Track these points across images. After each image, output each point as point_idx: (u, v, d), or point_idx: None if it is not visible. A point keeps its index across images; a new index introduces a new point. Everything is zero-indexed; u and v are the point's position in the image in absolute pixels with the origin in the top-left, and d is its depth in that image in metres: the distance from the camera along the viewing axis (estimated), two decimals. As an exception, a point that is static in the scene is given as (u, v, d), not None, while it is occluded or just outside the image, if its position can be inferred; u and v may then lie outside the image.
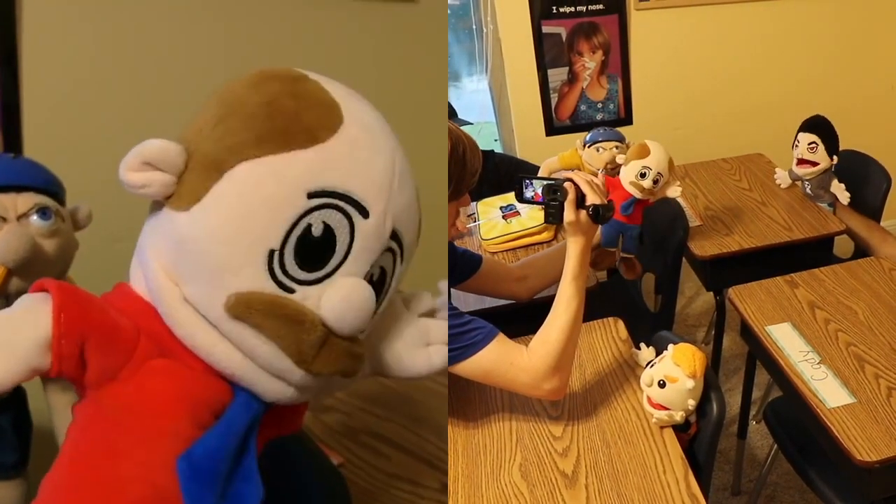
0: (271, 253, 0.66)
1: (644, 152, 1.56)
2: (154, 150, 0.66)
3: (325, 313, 0.67)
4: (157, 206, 0.70)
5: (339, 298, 0.67)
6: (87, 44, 1.78)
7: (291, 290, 0.67)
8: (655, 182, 1.54)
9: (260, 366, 0.68)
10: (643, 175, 1.53)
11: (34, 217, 0.97)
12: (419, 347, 0.82)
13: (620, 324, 1.49)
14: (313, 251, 0.67)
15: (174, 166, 0.67)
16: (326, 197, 0.67)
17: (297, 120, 0.68)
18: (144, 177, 0.66)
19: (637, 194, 1.55)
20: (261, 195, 0.65)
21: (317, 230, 0.66)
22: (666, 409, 1.20)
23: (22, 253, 0.95)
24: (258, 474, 0.69)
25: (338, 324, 0.67)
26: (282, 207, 0.66)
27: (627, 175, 1.55)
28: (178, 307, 0.67)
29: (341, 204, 0.67)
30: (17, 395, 1.03)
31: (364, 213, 0.68)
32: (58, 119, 1.77)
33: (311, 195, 0.66)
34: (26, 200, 0.97)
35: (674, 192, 1.61)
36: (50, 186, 1.04)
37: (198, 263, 0.66)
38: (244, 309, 0.65)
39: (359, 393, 1.08)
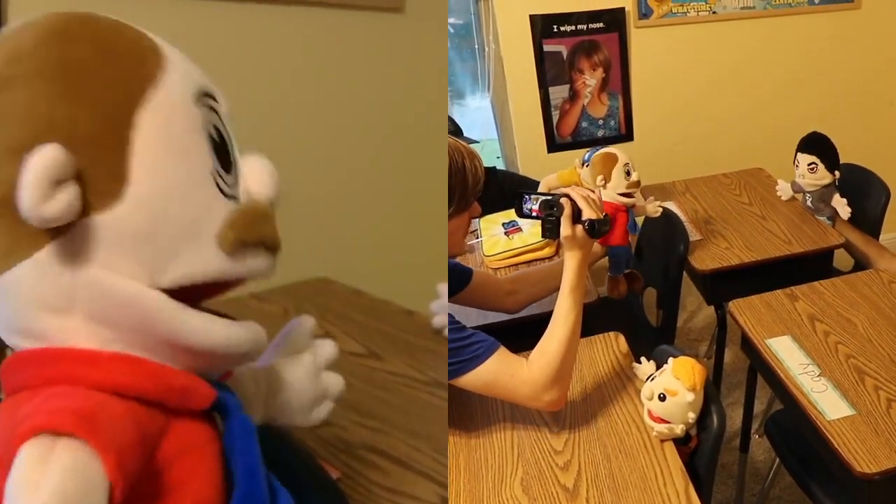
0: (214, 174, 0.62)
1: (611, 157, 1.59)
2: (57, 162, 0.52)
3: (262, 197, 0.66)
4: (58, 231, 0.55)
5: (265, 177, 0.67)
6: None
7: (236, 196, 0.64)
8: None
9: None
10: (629, 173, 1.56)
11: None
12: (314, 405, 0.83)
13: (621, 338, 1.50)
14: (224, 154, 0.64)
15: (73, 170, 0.54)
16: (205, 98, 0.64)
17: (136, 46, 0.61)
18: (63, 200, 0.53)
19: (629, 200, 1.56)
20: (177, 128, 0.60)
21: (215, 134, 0.63)
22: (666, 422, 1.21)
23: None
24: (277, 482, 0.68)
25: (271, 197, 0.67)
26: (197, 128, 0.61)
27: (617, 185, 1.57)
28: (165, 310, 0.58)
29: (210, 101, 0.64)
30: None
31: (214, 98, 0.66)
32: None
33: (195, 103, 0.62)
34: None
35: (654, 210, 1.64)
36: None
37: (170, 236, 0.58)
38: (243, 234, 0.62)
39: (354, 406, 1.09)
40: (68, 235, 0.56)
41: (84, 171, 0.55)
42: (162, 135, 0.59)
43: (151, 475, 0.57)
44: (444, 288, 1.38)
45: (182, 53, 0.65)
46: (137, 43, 0.61)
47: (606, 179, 1.57)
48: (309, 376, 0.83)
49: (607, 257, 1.66)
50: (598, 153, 1.64)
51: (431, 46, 2.48)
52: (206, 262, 0.60)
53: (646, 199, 1.69)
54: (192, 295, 0.61)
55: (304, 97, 2.34)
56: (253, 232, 0.63)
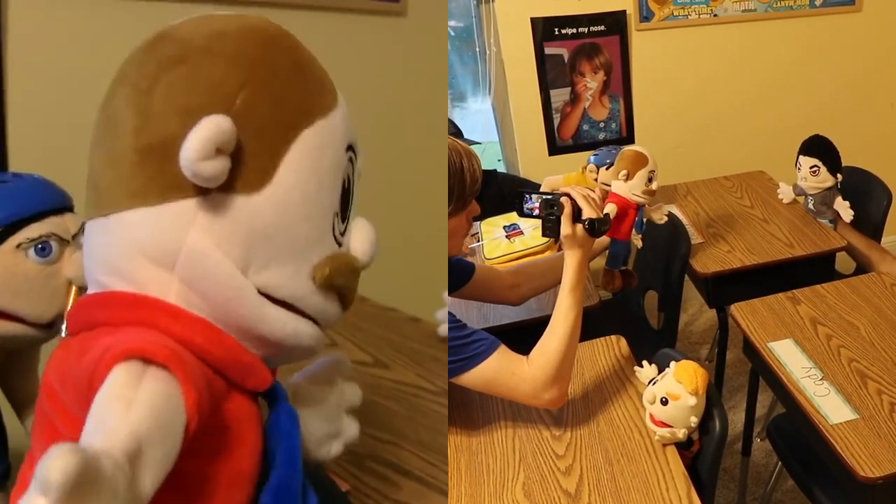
0: (335, 216, 0.67)
1: (643, 159, 1.58)
2: (227, 132, 0.58)
3: (360, 256, 0.70)
4: (183, 194, 0.59)
5: (367, 242, 0.72)
6: (73, 55, 1.81)
7: (341, 244, 0.69)
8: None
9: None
10: (651, 180, 1.56)
11: (80, 236, 0.94)
12: (324, 442, 0.84)
13: (623, 341, 1.50)
14: (346, 203, 0.69)
15: (232, 146, 0.59)
16: (350, 150, 0.69)
17: (323, 79, 0.68)
18: (219, 165, 0.58)
19: (642, 200, 1.56)
20: (326, 161, 0.65)
21: (346, 183, 0.68)
22: (668, 426, 1.21)
23: None
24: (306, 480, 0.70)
25: (366, 262, 0.71)
26: (339, 170, 0.67)
27: (636, 186, 1.56)
28: (252, 298, 0.62)
29: (352, 155, 0.70)
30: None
31: (356, 154, 0.71)
32: (43, 132, 1.78)
33: (345, 150, 0.68)
34: (73, 221, 0.95)
35: (660, 217, 1.64)
36: (71, 203, 1.02)
37: (281, 246, 0.62)
38: (335, 277, 0.65)
39: (363, 417, 1.08)
40: (199, 202, 0.59)
41: (240, 154, 0.59)
42: (313, 159, 0.64)
43: (208, 432, 0.60)
44: (446, 296, 1.38)
45: (346, 108, 0.71)
46: (324, 76, 0.68)
47: (630, 176, 1.57)
48: (329, 412, 0.84)
49: (607, 251, 1.65)
50: (630, 149, 1.62)
51: (432, 50, 2.48)
52: (295, 282, 0.64)
53: (653, 205, 1.68)
54: None
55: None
56: (343, 278, 0.67)
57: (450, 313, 1.22)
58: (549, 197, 1.27)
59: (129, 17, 1.81)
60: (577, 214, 1.24)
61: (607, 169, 2.03)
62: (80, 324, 0.62)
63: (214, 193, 0.59)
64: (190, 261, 0.60)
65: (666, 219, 1.66)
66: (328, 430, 0.84)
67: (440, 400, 1.22)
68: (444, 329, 1.35)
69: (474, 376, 1.20)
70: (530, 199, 1.31)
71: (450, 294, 1.54)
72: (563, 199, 1.25)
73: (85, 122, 0.69)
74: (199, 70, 0.60)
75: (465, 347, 1.19)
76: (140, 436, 0.49)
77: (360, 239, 0.72)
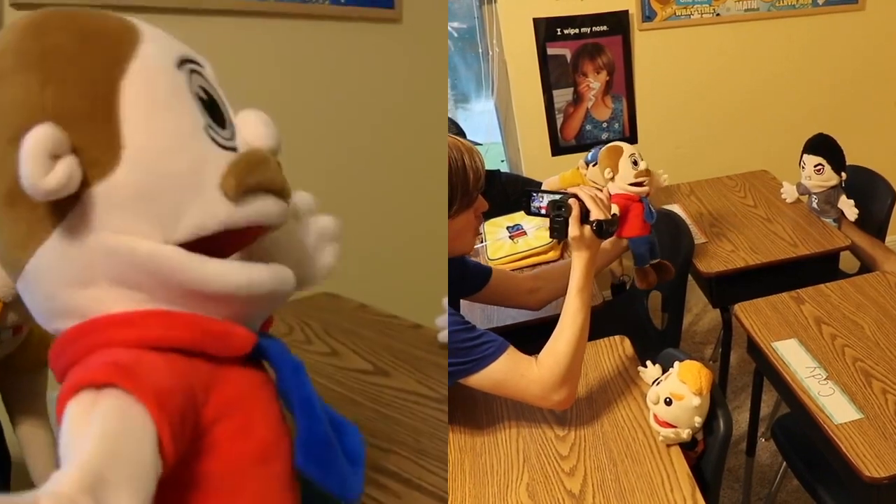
0: (207, 129, 0.64)
1: (617, 149, 1.59)
2: (48, 137, 0.55)
3: (261, 143, 0.68)
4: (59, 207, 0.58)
5: (259, 125, 0.69)
6: None
7: (236, 147, 0.66)
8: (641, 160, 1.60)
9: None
10: (636, 163, 1.57)
11: None
12: (324, 244, 0.82)
13: (627, 342, 1.50)
14: (216, 111, 0.66)
15: (68, 145, 0.57)
16: (186, 63, 0.66)
17: (110, 26, 0.64)
18: (64, 171, 0.56)
19: (641, 189, 1.57)
20: (162, 89, 0.62)
21: (203, 94, 0.65)
22: (672, 426, 1.20)
23: None
24: (341, 417, 0.70)
25: (272, 144, 0.68)
26: (181, 90, 0.63)
27: (626, 176, 1.57)
28: (181, 261, 0.60)
29: (192, 66, 0.67)
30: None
31: (197, 63, 0.68)
32: None
33: (177, 68, 0.64)
34: None
35: (659, 182, 1.67)
36: None
37: (174, 190, 0.60)
38: (246, 179, 0.63)
39: (362, 425, 1.06)
40: (76, 209, 0.58)
41: (80, 146, 0.57)
42: (147, 99, 0.61)
43: (216, 421, 0.59)
44: (446, 302, 1.37)
45: (160, 29, 0.67)
46: (110, 24, 0.64)
47: (614, 172, 1.57)
48: (304, 228, 0.81)
49: (630, 251, 1.66)
50: (603, 148, 1.64)
51: (430, 56, 2.48)
52: (213, 211, 0.61)
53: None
54: (213, 250, 0.62)
55: (309, 112, 2.34)
56: (253, 176, 0.64)
57: (458, 314, 1.22)
58: (557, 198, 1.27)
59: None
60: (584, 215, 1.24)
61: (594, 167, 2.05)
62: (58, 371, 0.62)
63: (85, 192, 0.58)
64: (105, 262, 0.59)
65: (667, 179, 1.66)
66: (316, 236, 0.81)
67: (442, 407, 1.22)
68: (444, 335, 1.35)
69: (483, 378, 1.20)
70: (537, 197, 1.31)
71: (466, 298, 1.54)
72: (572, 201, 1.25)
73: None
74: (3, 98, 0.59)
75: (474, 349, 1.19)
76: (95, 465, 0.48)
77: (251, 129, 0.69)
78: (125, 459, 0.50)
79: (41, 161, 0.54)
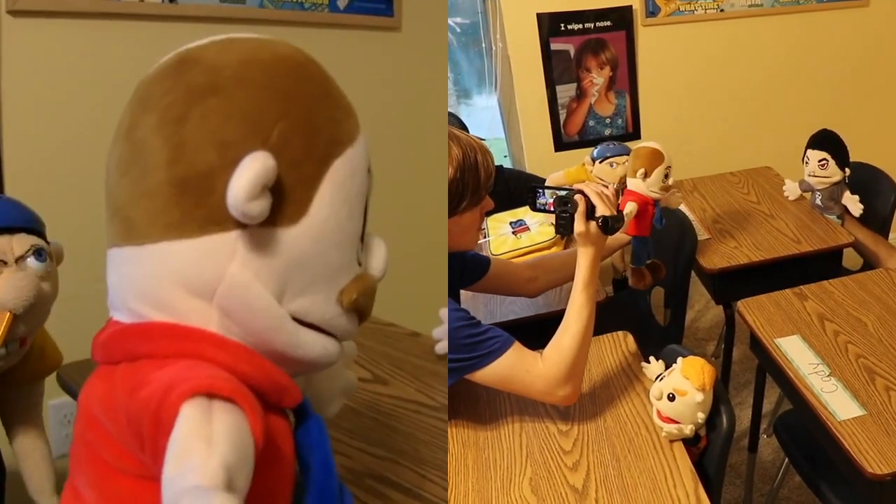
0: (360, 238, 0.69)
1: (659, 156, 1.59)
2: (272, 171, 0.58)
3: (377, 274, 0.72)
4: (207, 228, 0.60)
5: (383, 260, 0.73)
6: (67, 83, 1.81)
7: (360, 263, 0.70)
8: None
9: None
10: (667, 176, 1.57)
11: (30, 259, 0.93)
12: (337, 396, 0.89)
13: (630, 337, 1.50)
14: (365, 224, 0.71)
15: (273, 182, 0.60)
16: (369, 172, 0.70)
17: (347, 106, 0.69)
18: (265, 203, 0.59)
19: (660, 195, 1.57)
20: (355, 189, 0.66)
21: (366, 205, 0.70)
22: (676, 422, 1.21)
23: (32, 298, 0.91)
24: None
25: (381, 276, 0.73)
26: (364, 195, 0.68)
27: (654, 183, 1.57)
28: (289, 326, 0.64)
29: (369, 176, 0.71)
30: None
31: (370, 174, 0.72)
32: (38, 159, 1.79)
33: (368, 173, 0.69)
34: (22, 242, 0.93)
35: (677, 201, 1.65)
36: (37, 226, 0.99)
37: (315, 274, 0.64)
38: (360, 301, 0.67)
39: (360, 434, 1.07)
40: (241, 235, 0.60)
41: (277, 188, 0.60)
42: (344, 188, 0.65)
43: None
44: (445, 313, 1.37)
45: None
46: (347, 103, 0.69)
47: (648, 174, 1.57)
48: (334, 371, 0.87)
49: (631, 248, 1.66)
50: (645, 146, 1.63)
51: (429, 64, 2.47)
52: (325, 307, 0.66)
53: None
54: None
55: None
56: (366, 299, 0.69)
57: (463, 310, 1.23)
58: (563, 194, 1.28)
59: (129, 38, 1.81)
60: (590, 212, 1.24)
61: (601, 163, 2.05)
62: (120, 354, 0.63)
63: (253, 227, 0.60)
64: (230, 292, 0.61)
65: (682, 201, 1.67)
66: (334, 387, 0.88)
67: (440, 415, 1.22)
68: (441, 346, 1.35)
69: (489, 373, 1.21)
70: (543, 194, 1.32)
71: (466, 288, 1.55)
72: (578, 197, 1.25)
73: (77, 147, 0.69)
74: (233, 101, 0.61)
75: (479, 345, 1.20)
76: (229, 468, 0.51)
77: (377, 257, 0.73)
78: (243, 469, 0.53)
79: (258, 187, 0.57)
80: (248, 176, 0.57)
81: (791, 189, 2.17)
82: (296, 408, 0.68)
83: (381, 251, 0.74)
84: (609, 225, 1.24)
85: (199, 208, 0.60)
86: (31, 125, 1.80)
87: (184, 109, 0.61)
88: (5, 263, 0.90)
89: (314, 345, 0.66)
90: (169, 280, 0.61)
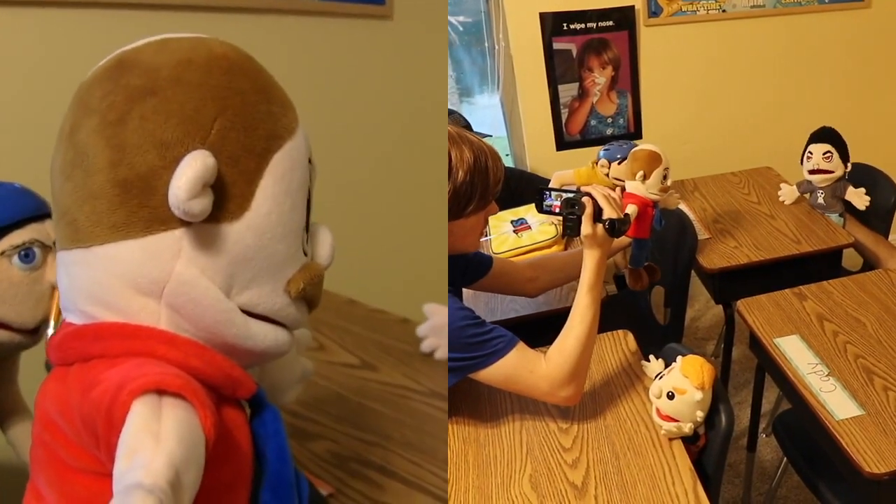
0: (304, 229, 0.70)
1: (657, 158, 1.60)
2: (212, 168, 0.60)
3: (324, 262, 0.73)
4: (158, 226, 0.61)
5: (329, 248, 0.74)
6: (37, 73, 1.78)
7: (306, 253, 0.71)
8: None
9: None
10: (665, 178, 1.59)
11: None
12: (293, 384, 0.90)
13: (630, 336, 1.51)
14: (309, 214, 0.72)
15: (213, 179, 0.61)
16: (310, 163, 0.71)
17: (284, 100, 0.69)
18: (206, 201, 0.60)
19: (659, 197, 1.59)
20: (296, 181, 0.67)
21: (309, 195, 0.71)
22: (675, 420, 1.21)
23: None
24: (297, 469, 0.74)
25: (328, 266, 0.74)
26: (306, 186, 0.69)
27: (653, 185, 1.58)
28: (238, 319, 0.65)
29: (310, 167, 0.72)
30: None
31: (311, 164, 0.73)
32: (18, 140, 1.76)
33: (308, 164, 0.70)
34: (52, 228, 0.96)
35: (675, 202, 1.67)
36: (50, 210, 1.01)
37: (261, 267, 0.65)
38: (307, 290, 0.69)
39: (348, 419, 1.07)
40: (185, 232, 0.61)
41: (218, 184, 0.61)
42: (285, 180, 0.66)
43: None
44: (431, 309, 1.37)
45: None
46: (284, 97, 0.69)
47: (647, 176, 1.58)
48: (288, 360, 0.88)
49: (629, 250, 1.67)
50: (643, 148, 1.64)
51: (425, 56, 2.43)
52: (273, 298, 0.67)
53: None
54: None
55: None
56: (314, 288, 0.70)
57: (468, 309, 1.23)
58: (571, 196, 1.29)
59: (124, 28, 1.79)
60: (597, 214, 1.25)
61: (619, 164, 2.04)
62: (73, 355, 0.64)
63: (198, 224, 0.61)
64: (178, 290, 0.62)
65: (680, 201, 1.68)
66: (290, 376, 0.89)
67: (429, 400, 1.22)
68: (427, 344, 1.36)
69: (493, 373, 1.22)
70: (549, 195, 1.33)
71: (468, 287, 1.55)
72: (585, 199, 1.26)
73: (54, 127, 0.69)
74: (171, 102, 0.61)
75: (484, 344, 1.20)
76: (176, 464, 0.52)
77: (323, 246, 0.74)
78: (192, 465, 0.54)
79: (198, 185, 0.58)
80: (189, 175, 0.58)
81: (787, 193, 2.15)
82: (251, 399, 0.69)
83: (327, 240, 0.75)
84: (616, 227, 1.25)
85: (142, 208, 0.61)
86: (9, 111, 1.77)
87: (123, 111, 0.61)
88: (49, 248, 0.93)
89: (265, 336, 0.67)
90: (117, 280, 0.62)
